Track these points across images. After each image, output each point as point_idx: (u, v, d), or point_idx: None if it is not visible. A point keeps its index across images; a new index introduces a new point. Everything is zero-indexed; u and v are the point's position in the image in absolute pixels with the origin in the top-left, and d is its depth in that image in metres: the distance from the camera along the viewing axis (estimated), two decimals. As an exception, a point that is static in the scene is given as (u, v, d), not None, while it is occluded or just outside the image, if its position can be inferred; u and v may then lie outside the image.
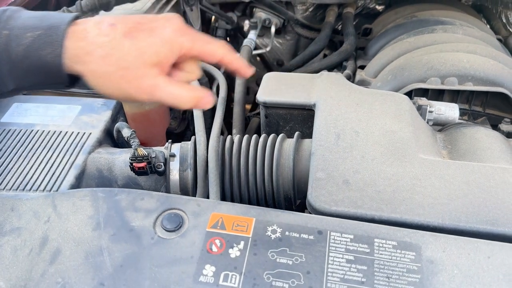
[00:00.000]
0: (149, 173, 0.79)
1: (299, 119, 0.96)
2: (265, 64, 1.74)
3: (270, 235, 0.53)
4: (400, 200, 0.68)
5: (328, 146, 0.79)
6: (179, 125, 1.30)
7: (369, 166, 0.74)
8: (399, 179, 0.71)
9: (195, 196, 0.83)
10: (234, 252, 0.52)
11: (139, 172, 0.78)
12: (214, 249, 0.52)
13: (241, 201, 0.83)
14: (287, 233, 0.53)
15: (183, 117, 1.32)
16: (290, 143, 0.85)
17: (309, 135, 0.97)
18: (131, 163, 0.76)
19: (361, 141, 0.80)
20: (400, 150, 0.77)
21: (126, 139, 0.80)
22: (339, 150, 0.78)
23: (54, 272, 0.52)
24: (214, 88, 1.38)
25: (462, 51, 1.12)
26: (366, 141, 0.79)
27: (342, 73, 1.27)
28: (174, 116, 1.29)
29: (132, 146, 0.78)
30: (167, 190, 0.82)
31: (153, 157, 0.79)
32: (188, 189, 0.83)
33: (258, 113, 1.49)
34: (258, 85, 1.77)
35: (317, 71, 1.34)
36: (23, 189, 0.76)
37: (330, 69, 1.33)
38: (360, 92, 0.94)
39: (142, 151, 0.77)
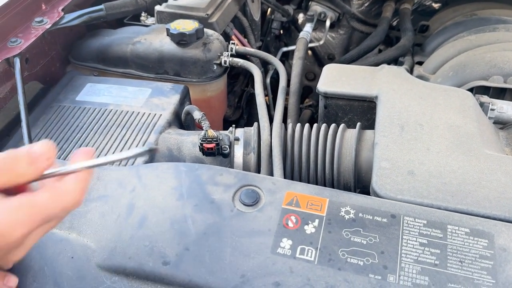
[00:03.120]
0: (216, 154, 0.83)
1: (358, 111, 0.97)
2: (316, 57, 1.75)
3: (344, 215, 0.56)
4: (466, 193, 0.68)
5: (392, 137, 0.80)
6: (234, 113, 1.34)
7: (434, 159, 0.75)
8: (465, 172, 0.72)
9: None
10: (309, 229, 0.54)
11: (208, 152, 0.82)
12: (290, 224, 0.55)
13: (301, 186, 0.86)
14: (360, 214, 0.56)
15: (237, 106, 1.36)
16: (352, 133, 0.87)
17: (368, 127, 0.98)
18: (201, 144, 0.81)
19: (426, 134, 0.80)
20: (465, 144, 0.78)
21: (197, 121, 0.84)
22: (404, 141, 0.79)
23: (142, 236, 0.56)
24: (268, 79, 1.42)
25: (527, 50, 1.09)
26: (431, 134, 0.80)
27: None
28: (230, 104, 1.33)
29: (204, 127, 0.82)
30: (231, 172, 0.86)
31: (220, 140, 0.82)
32: (251, 171, 0.86)
33: (310, 105, 1.51)
34: (308, 79, 1.80)
35: (373, 66, 1.35)
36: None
37: (386, 64, 1.33)
38: (424, 86, 0.94)
39: (212, 132, 0.81)
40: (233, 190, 0.60)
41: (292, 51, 1.69)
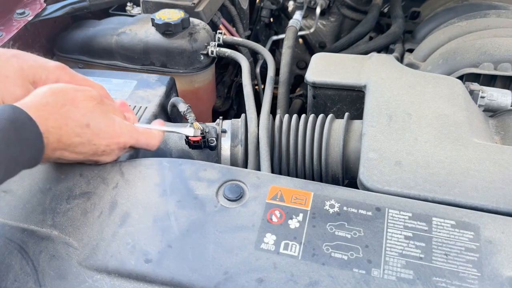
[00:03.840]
0: (203, 147, 0.81)
1: (347, 101, 0.96)
2: (307, 46, 1.73)
3: (328, 209, 0.55)
4: (454, 183, 0.68)
5: (380, 127, 0.79)
6: (223, 104, 1.33)
7: (422, 148, 0.74)
8: (453, 162, 0.71)
9: (245, 172, 0.85)
10: (293, 223, 0.54)
11: (194, 145, 0.80)
12: (274, 219, 0.54)
13: (290, 178, 0.85)
14: (345, 208, 0.55)
15: (227, 96, 1.35)
16: (339, 123, 0.86)
17: (357, 117, 0.97)
18: (187, 136, 0.79)
19: (414, 124, 0.80)
20: (454, 133, 0.77)
21: (182, 113, 0.82)
22: (391, 131, 0.78)
23: (124, 234, 0.56)
24: (258, 68, 1.40)
25: (518, 36, 1.08)
26: (419, 124, 0.79)
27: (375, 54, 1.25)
28: (219, 95, 1.32)
29: (189, 120, 0.80)
30: (218, 165, 0.85)
31: (207, 132, 0.81)
32: (238, 164, 0.85)
33: (300, 95, 1.50)
34: (299, 67, 1.78)
35: (363, 54, 1.33)
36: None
37: (377, 51, 1.32)
38: (412, 75, 0.93)
39: (197, 125, 0.80)
40: (217, 186, 0.59)
41: (283, 40, 1.67)
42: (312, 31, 1.56)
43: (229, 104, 1.34)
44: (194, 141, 0.80)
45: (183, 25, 1.03)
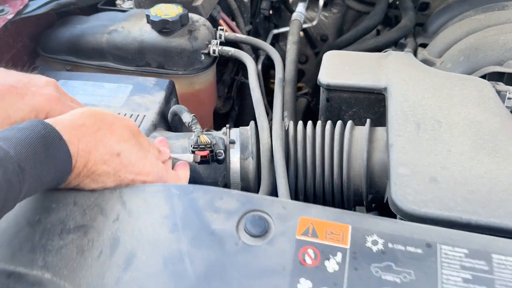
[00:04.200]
0: (210, 162, 0.73)
1: (364, 104, 0.88)
2: (308, 39, 1.64)
3: (371, 246, 0.47)
4: (498, 202, 0.60)
5: (408, 137, 0.71)
6: (224, 105, 1.24)
7: (457, 162, 0.66)
8: (494, 177, 0.64)
9: (257, 187, 0.77)
10: (331, 266, 0.46)
11: (200, 161, 0.72)
12: (308, 260, 0.46)
13: (306, 194, 0.77)
14: (390, 245, 0.47)
15: (227, 97, 1.26)
16: (361, 131, 0.78)
17: (375, 122, 0.89)
18: (193, 151, 0.71)
19: (445, 132, 0.72)
20: (490, 143, 0.69)
21: (187, 124, 0.73)
22: (421, 141, 0.70)
23: (129, 280, 0.47)
24: (260, 65, 1.31)
25: (543, 30, 1.01)
26: (451, 132, 0.71)
27: (403, 51, 1.17)
28: (219, 95, 1.22)
29: (195, 133, 0.71)
30: (227, 180, 0.77)
31: (214, 145, 0.72)
32: (250, 179, 0.77)
33: (305, 93, 1.41)
34: (300, 62, 1.69)
35: (373, 49, 1.25)
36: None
37: (387, 46, 1.23)
38: (436, 75, 0.85)
39: (205, 138, 0.71)
40: (237, 218, 0.50)
41: (283, 33, 1.58)
42: (314, 23, 1.47)
43: (230, 105, 1.25)
44: (201, 156, 0.71)
45: (182, 21, 0.94)
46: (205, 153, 0.71)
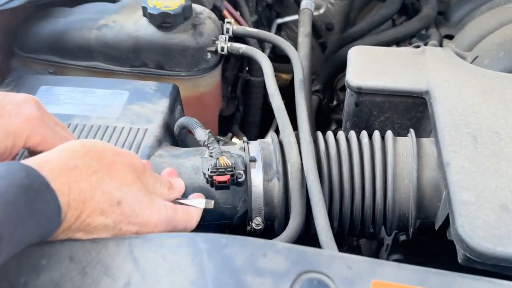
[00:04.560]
0: (230, 186, 0.61)
1: (399, 109, 0.76)
2: (313, 28, 1.51)
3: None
4: None
5: (466, 154, 0.60)
6: (228, 106, 1.11)
7: (530, 185, 0.56)
8: None
9: (285, 214, 0.65)
10: None
11: (219, 186, 0.59)
12: None
13: (341, 220, 0.66)
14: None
15: (231, 97, 1.13)
16: (405, 144, 0.66)
17: (410, 128, 0.78)
18: (211, 176, 0.58)
19: (506, 147, 0.61)
20: None
21: (203, 144, 0.61)
22: (482, 159, 0.59)
23: None
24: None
25: None
26: (515, 147, 0.60)
27: (425, 44, 1.06)
28: (222, 94, 1.09)
29: (213, 154, 0.59)
30: (248, 205, 0.65)
31: (234, 167, 0.60)
32: (275, 205, 0.65)
33: (316, 91, 1.29)
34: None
35: (392, 41, 1.14)
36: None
37: (407, 38, 1.12)
38: (483, 75, 0.74)
39: (225, 160, 0.58)
40: (289, 283, 0.38)
41: (287, 23, 1.45)
42: (322, 11, 1.34)
43: (234, 106, 1.12)
44: (220, 181, 0.59)
45: (185, 14, 0.80)
46: (225, 178, 0.58)
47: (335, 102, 1.33)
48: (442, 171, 0.60)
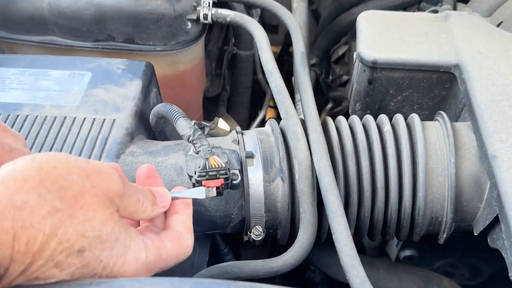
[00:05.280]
0: (223, 192, 0.48)
1: (422, 87, 0.64)
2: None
3: None
4: None
5: (515, 143, 0.48)
6: (212, 86, 0.97)
7: None
8: None
9: (292, 223, 0.53)
10: None
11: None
12: None
13: (358, 227, 0.54)
14: None
15: (216, 74, 0.98)
16: (437, 132, 0.54)
17: (432, 109, 0.66)
18: (198, 180, 0.45)
19: None
20: None
21: (188, 139, 0.47)
22: (537, 150, 0.48)
23: None
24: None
25: None
26: None
27: (438, 8, 0.93)
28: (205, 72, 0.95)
29: (201, 153, 0.46)
30: (245, 212, 0.52)
31: (228, 167, 0.47)
32: (279, 211, 0.52)
33: (313, 65, 1.15)
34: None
35: (399, 5, 1.00)
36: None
37: (415, 2, 0.98)
38: (520, 45, 0.62)
39: (216, 161, 0.45)
40: None
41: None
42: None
43: (220, 86, 0.98)
44: (211, 187, 0.46)
45: (158, -25, 0.65)
46: (217, 183, 0.45)
47: (330, 77, 1.20)
48: (487, 166, 0.48)
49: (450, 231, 0.53)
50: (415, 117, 0.56)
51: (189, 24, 0.70)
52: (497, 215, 0.46)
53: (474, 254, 0.84)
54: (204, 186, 0.46)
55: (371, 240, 0.58)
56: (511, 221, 0.43)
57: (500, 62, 0.59)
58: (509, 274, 0.46)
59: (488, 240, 0.50)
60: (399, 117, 0.56)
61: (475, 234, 0.52)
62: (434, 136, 0.53)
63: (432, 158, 0.52)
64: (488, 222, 0.49)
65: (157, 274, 0.37)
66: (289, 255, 0.48)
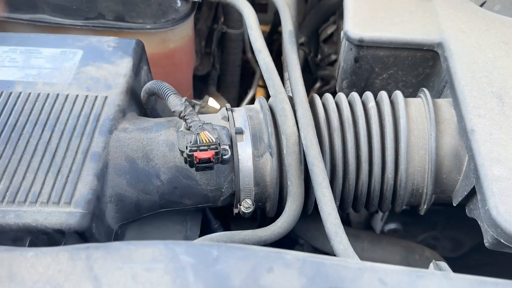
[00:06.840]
0: (214, 166, 0.50)
1: (406, 64, 0.66)
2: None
3: None
4: None
5: (492, 118, 0.51)
6: (202, 64, 0.97)
7: None
8: None
9: (279, 195, 0.55)
10: None
11: (201, 166, 0.48)
12: None
13: (343, 199, 0.56)
14: None
15: (206, 52, 0.99)
16: (419, 108, 0.56)
17: (416, 87, 0.68)
18: (190, 154, 0.47)
19: (539, 108, 0.52)
20: None
21: (179, 115, 0.49)
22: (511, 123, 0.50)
23: None
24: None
25: None
26: (549, 108, 0.51)
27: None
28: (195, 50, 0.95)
29: (192, 130, 0.47)
30: (235, 186, 0.54)
31: (218, 142, 0.49)
32: (267, 185, 0.55)
33: (301, 44, 1.16)
34: None
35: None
36: (13, 201, 0.47)
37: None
38: (502, 24, 0.64)
39: (207, 135, 0.47)
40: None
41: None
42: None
43: (209, 64, 0.99)
44: (201, 159, 0.48)
45: (147, -48, 0.65)
46: (208, 154, 0.47)
47: (319, 56, 1.21)
48: (465, 139, 0.51)
49: (430, 203, 0.56)
50: (398, 94, 0.58)
51: (179, 2, 0.71)
52: (474, 186, 0.49)
53: (455, 227, 0.88)
54: (196, 157, 0.47)
55: (355, 212, 0.60)
56: (486, 191, 0.45)
57: (481, 40, 0.61)
58: (484, 241, 0.49)
59: (466, 210, 0.53)
60: (383, 94, 0.58)
61: (454, 205, 0.54)
62: (416, 112, 0.56)
63: (414, 133, 0.54)
64: (466, 193, 0.51)
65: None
66: (277, 225, 0.50)
